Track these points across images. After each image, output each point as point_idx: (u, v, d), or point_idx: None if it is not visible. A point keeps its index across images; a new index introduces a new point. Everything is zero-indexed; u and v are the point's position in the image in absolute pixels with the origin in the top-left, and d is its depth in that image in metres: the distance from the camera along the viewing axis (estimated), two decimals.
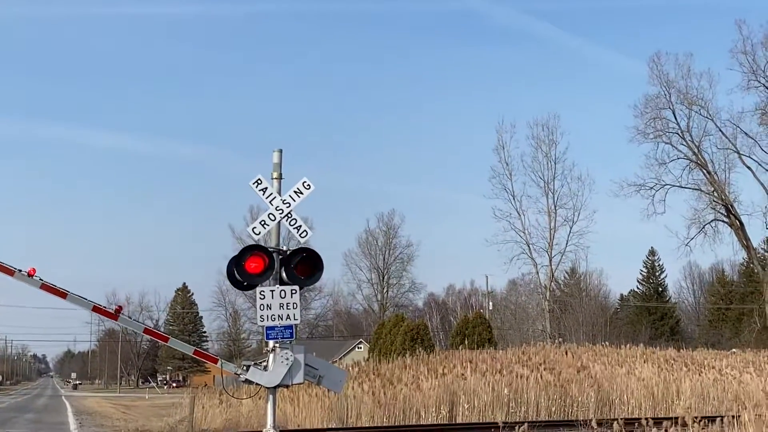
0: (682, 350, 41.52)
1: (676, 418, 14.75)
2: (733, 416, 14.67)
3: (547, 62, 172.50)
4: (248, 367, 13.35)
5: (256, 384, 13.50)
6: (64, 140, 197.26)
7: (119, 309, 13.65)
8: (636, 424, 17.60)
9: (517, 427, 15.41)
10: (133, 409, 49.80)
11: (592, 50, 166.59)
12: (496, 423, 19.20)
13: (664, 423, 14.50)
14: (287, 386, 13.74)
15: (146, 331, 15.63)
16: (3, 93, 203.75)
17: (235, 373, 13.74)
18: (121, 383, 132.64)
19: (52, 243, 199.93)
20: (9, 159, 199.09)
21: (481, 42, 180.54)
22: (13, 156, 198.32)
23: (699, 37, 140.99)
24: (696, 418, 14.22)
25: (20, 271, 12.97)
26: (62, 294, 13.23)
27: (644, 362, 34.45)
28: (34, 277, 12.98)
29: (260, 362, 13.46)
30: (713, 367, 35.20)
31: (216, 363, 14.05)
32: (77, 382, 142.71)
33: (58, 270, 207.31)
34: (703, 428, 13.43)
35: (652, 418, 15.74)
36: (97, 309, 13.80)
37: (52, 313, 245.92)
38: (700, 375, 33.47)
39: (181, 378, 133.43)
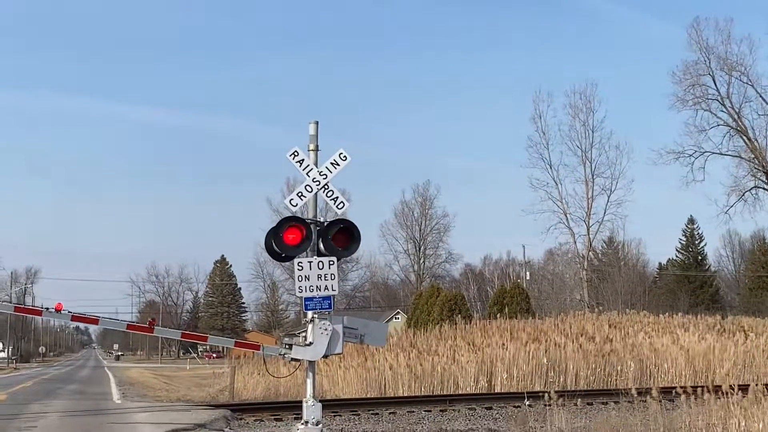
0: (724, 317, 41.11)
1: (717, 386, 14.68)
2: None
3: (584, 29, 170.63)
4: (290, 345, 13.45)
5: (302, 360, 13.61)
6: (102, 115, 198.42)
7: (152, 322, 14.28)
8: (673, 392, 17.55)
9: (554, 397, 15.43)
10: (175, 379, 50.44)
11: (630, 16, 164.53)
12: (534, 392, 19.25)
13: (699, 390, 14.45)
14: (326, 356, 13.83)
15: (184, 335, 16.41)
16: (41, 67, 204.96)
17: (280, 354, 13.86)
18: (162, 354, 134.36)
19: (92, 218, 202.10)
20: (49, 133, 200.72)
21: (517, 10, 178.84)
22: (54, 130, 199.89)
23: (739, 1, 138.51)
24: (733, 386, 14.12)
25: (47, 309, 13.68)
26: (94, 321, 14.32)
27: (685, 330, 34.19)
28: (62, 312, 13.47)
29: (298, 332, 13.56)
30: (760, 334, 34.78)
31: (258, 350, 14.22)
32: (119, 353, 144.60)
33: (101, 243, 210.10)
34: (743, 397, 13.34)
35: (691, 386, 15.67)
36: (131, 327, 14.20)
37: (94, 285, 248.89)
38: (745, 341, 33.16)
39: (221, 348, 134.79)
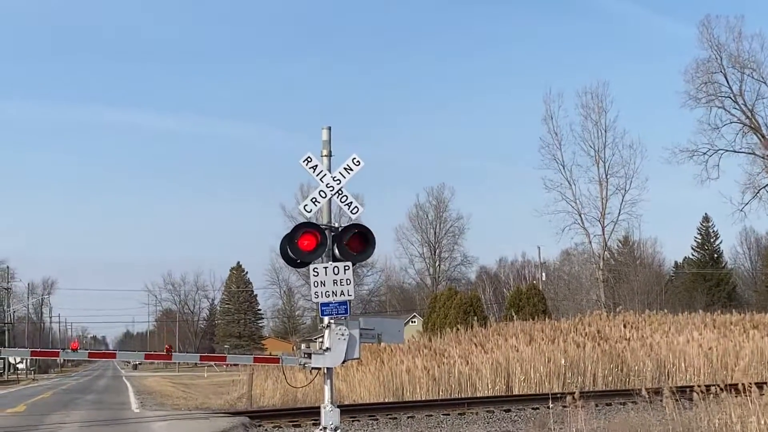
0: (741, 315, 40.95)
1: (734, 384, 14.63)
2: None
3: (594, 28, 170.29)
4: (309, 355, 13.50)
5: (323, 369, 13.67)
6: (117, 123, 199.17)
7: (169, 348, 14.78)
8: (690, 391, 17.50)
9: (577, 397, 15.40)
10: (193, 387, 50.56)
11: (640, 14, 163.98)
12: (554, 394, 19.22)
13: (716, 389, 14.39)
14: (344, 362, 13.86)
15: (203, 357, 16.91)
16: (45, 77, 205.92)
17: (300, 365, 13.92)
18: (180, 363, 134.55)
19: (107, 228, 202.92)
20: (62, 144, 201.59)
21: (528, 11, 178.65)
22: (67, 141, 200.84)
23: None
24: (749, 384, 14.07)
25: (64, 350, 14.11)
26: (111, 355, 15.94)
27: (703, 328, 34.06)
28: (78, 350, 13.87)
29: (315, 338, 13.62)
30: None
31: (278, 362, 14.31)
32: (137, 363, 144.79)
33: (117, 253, 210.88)
34: (761, 394, 13.30)
35: (709, 385, 15.62)
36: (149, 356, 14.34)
37: (110, 295, 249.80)
38: (763, 338, 33.02)
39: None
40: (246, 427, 18.86)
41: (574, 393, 15.72)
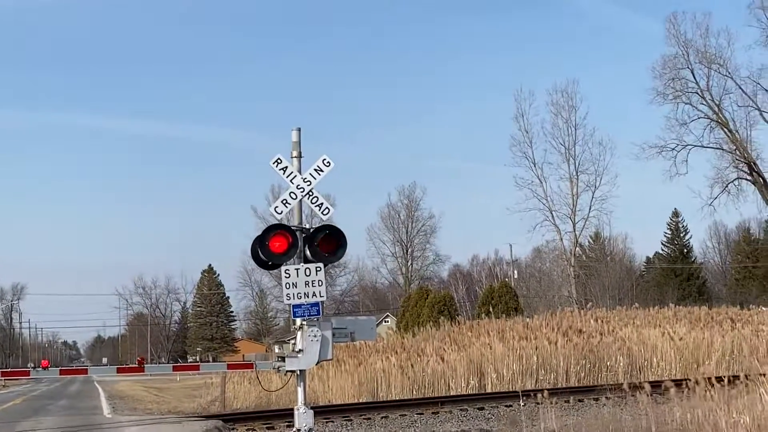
0: (711, 309, 41.29)
1: (705, 378, 14.74)
2: (762, 374, 14.64)
3: (563, 26, 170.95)
4: (283, 358, 13.45)
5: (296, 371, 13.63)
6: (85, 127, 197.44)
7: (141, 361, 14.79)
8: (662, 386, 17.63)
9: (546, 395, 15.48)
10: (165, 391, 50.28)
11: (609, 11, 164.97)
12: (526, 391, 19.31)
13: (688, 383, 14.50)
14: (318, 363, 13.83)
15: (176, 368, 16.83)
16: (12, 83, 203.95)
17: (274, 368, 13.87)
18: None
19: (78, 230, 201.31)
20: (30, 148, 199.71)
21: (498, 8, 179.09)
22: (34, 144, 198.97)
23: None
24: (722, 378, 14.20)
25: (35, 368, 14.06)
26: (83, 371, 15.11)
27: (675, 322, 34.34)
28: (48, 368, 13.76)
29: (288, 339, 13.56)
30: (747, 322, 34.94)
31: (251, 368, 14.25)
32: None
33: (87, 257, 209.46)
34: (732, 389, 13.42)
35: (681, 379, 15.74)
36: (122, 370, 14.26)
37: (81, 300, 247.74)
38: (732, 330, 33.34)
39: (210, 359, 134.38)
40: (220, 431, 18.78)
41: (545, 390, 15.81)
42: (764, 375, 12.83)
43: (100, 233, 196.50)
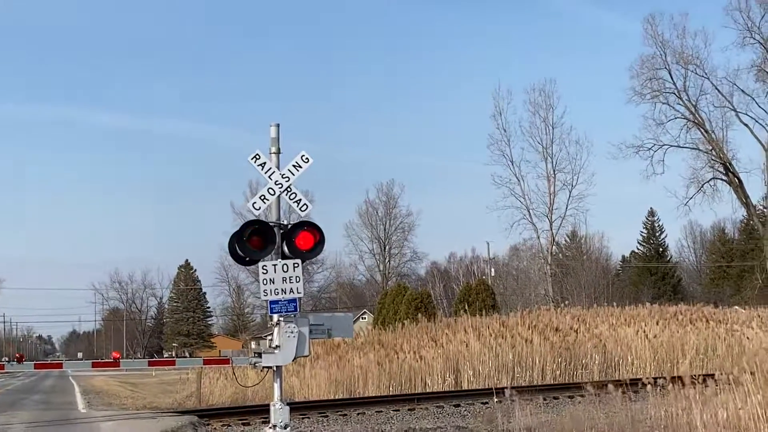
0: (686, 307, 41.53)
1: (679, 377, 14.85)
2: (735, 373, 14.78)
3: (542, 25, 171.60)
4: (259, 354, 13.44)
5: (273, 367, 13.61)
6: (58, 120, 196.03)
7: (117, 355, 14.51)
8: (636, 384, 17.74)
9: (519, 393, 15.52)
10: (141, 386, 50.06)
11: (587, 11, 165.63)
12: (501, 388, 19.35)
13: (662, 381, 14.59)
14: (294, 359, 13.83)
15: (151, 362, 16.54)
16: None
17: (250, 364, 13.86)
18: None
19: (54, 224, 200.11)
20: (4, 141, 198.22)
21: (471, 7, 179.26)
22: (6, 138, 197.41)
23: None
24: (697, 376, 14.31)
25: (9, 361, 14.02)
26: (58, 365, 14.85)
27: (650, 320, 34.55)
28: (24, 362, 13.70)
29: (265, 335, 13.55)
30: (720, 321, 35.21)
31: (228, 364, 14.21)
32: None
33: (63, 251, 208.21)
34: (706, 387, 13.52)
35: (656, 377, 15.83)
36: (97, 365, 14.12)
37: (56, 294, 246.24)
38: (706, 329, 33.59)
39: (187, 354, 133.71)
40: (195, 426, 18.73)
41: (519, 387, 15.88)
42: (734, 374, 12.94)
43: (77, 227, 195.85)
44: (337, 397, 27.35)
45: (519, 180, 73.80)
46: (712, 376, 14.03)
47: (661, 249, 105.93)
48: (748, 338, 32.96)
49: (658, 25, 69.66)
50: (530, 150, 75.20)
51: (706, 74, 68.71)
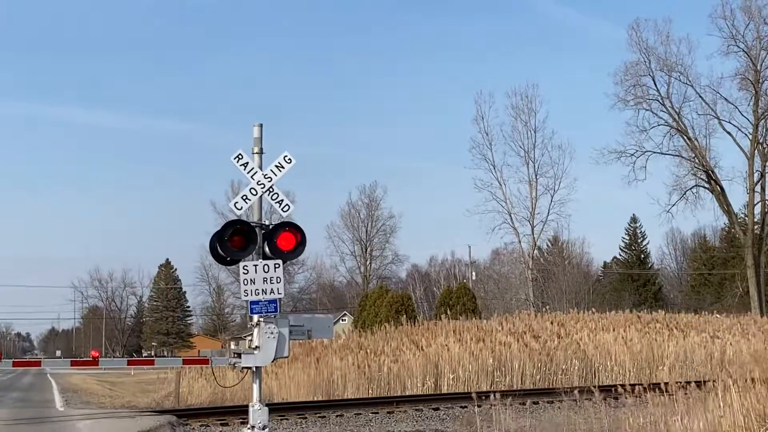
0: (666, 314, 41.65)
1: (658, 384, 14.87)
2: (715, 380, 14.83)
3: (526, 29, 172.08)
4: (239, 354, 13.36)
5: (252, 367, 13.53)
6: (39, 116, 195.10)
7: (96, 354, 14.46)
8: (614, 390, 17.77)
9: (499, 397, 15.51)
10: (119, 385, 49.82)
11: (570, 16, 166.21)
12: (481, 392, 19.36)
13: (641, 388, 14.62)
14: (274, 360, 13.77)
15: (131, 362, 16.42)
16: None
17: (230, 365, 13.78)
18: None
19: (33, 221, 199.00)
20: None
21: (455, 10, 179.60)
22: None
23: (679, 3, 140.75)
24: (679, 383, 14.33)
25: None
26: (36, 363, 14.87)
27: (629, 327, 34.64)
28: (1, 360, 13.67)
29: (244, 336, 13.48)
30: (703, 331, 35.31)
31: (207, 364, 14.11)
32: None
33: (43, 248, 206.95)
34: (686, 394, 13.55)
35: (632, 384, 15.86)
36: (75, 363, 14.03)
37: (35, 291, 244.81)
38: (684, 339, 33.69)
39: (166, 354, 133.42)
40: (173, 426, 18.63)
41: (498, 392, 15.86)
42: (714, 382, 12.97)
43: (57, 225, 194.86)
44: (315, 399, 27.28)
45: (501, 184, 73.98)
46: (690, 383, 14.06)
47: (642, 256, 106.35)
48: (730, 344, 33.14)
49: (643, 31, 69.96)
50: (512, 154, 75.52)
51: (689, 82, 69.11)
